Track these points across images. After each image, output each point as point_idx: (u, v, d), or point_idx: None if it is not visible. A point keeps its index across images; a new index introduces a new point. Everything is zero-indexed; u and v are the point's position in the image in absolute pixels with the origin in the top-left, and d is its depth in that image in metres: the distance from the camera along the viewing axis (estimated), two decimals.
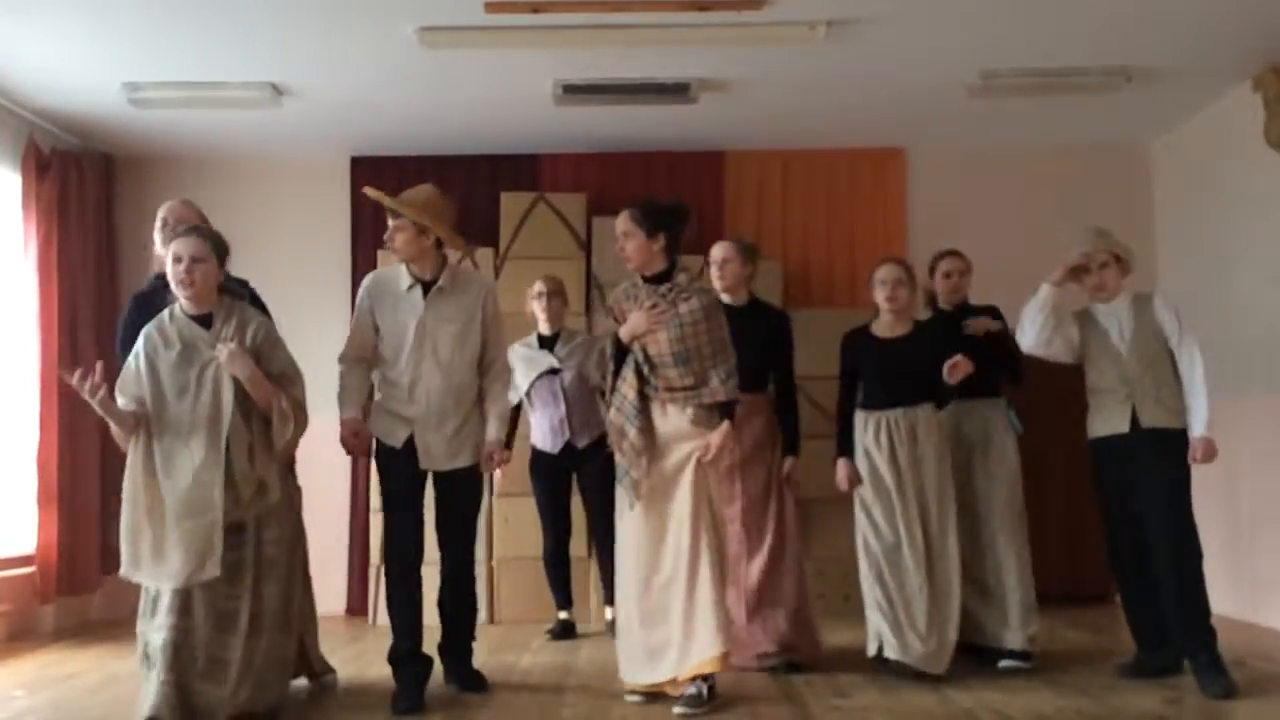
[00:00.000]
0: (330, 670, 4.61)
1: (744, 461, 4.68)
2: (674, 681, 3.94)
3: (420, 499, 4.27)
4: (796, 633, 4.66)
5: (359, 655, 5.20)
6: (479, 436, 4.32)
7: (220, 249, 3.93)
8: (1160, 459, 4.29)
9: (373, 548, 6.38)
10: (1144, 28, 5.20)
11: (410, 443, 4.21)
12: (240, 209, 6.41)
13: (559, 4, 4.82)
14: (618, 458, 4.02)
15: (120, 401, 3.81)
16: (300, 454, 4.18)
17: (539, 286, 5.69)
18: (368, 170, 6.81)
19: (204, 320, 3.89)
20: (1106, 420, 4.41)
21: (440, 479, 4.30)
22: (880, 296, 4.60)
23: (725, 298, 4.70)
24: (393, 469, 4.25)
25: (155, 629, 3.71)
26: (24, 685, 4.67)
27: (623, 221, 4.04)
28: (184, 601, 3.69)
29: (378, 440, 4.27)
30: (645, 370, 3.99)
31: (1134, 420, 4.33)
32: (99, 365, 3.75)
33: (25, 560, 5.93)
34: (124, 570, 3.77)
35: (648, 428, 3.99)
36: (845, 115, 6.39)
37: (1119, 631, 4.66)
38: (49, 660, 5.27)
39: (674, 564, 3.93)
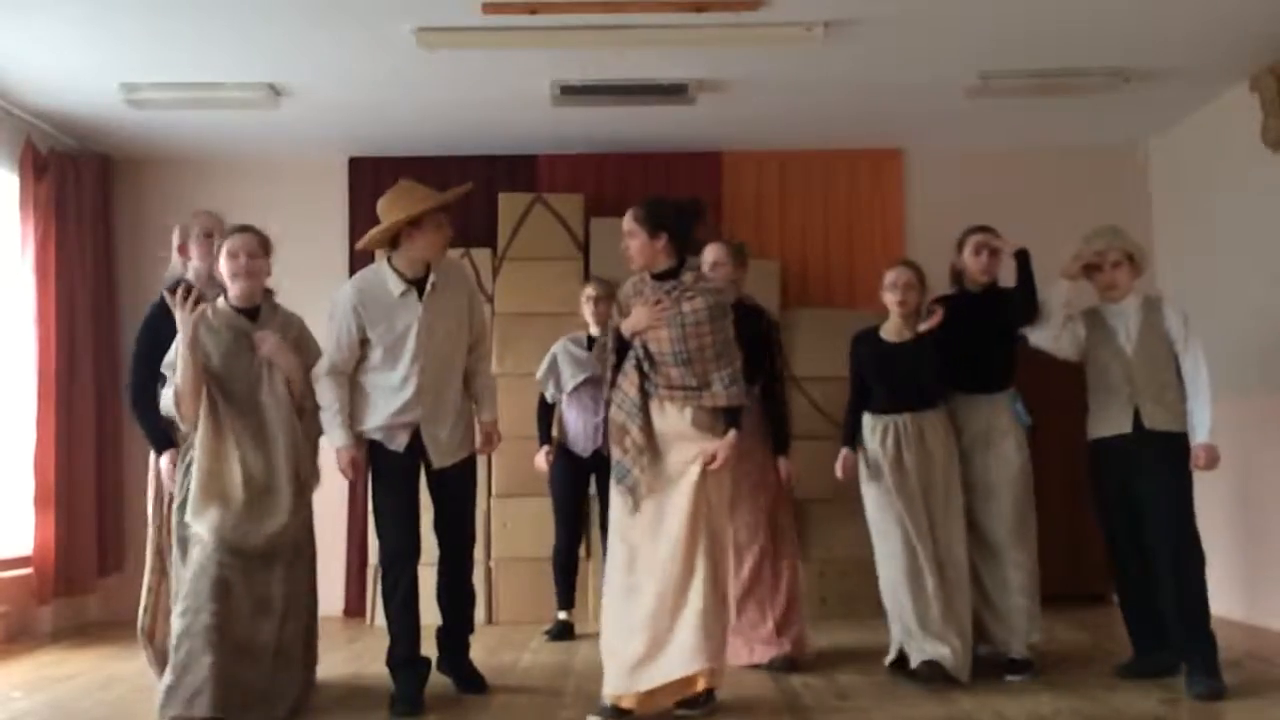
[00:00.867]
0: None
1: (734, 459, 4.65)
2: (649, 695, 3.78)
3: (418, 500, 4.27)
4: (785, 630, 4.68)
5: (358, 655, 5.21)
6: (471, 425, 4.36)
7: (268, 247, 4.19)
8: (1162, 462, 4.28)
9: (371, 549, 6.37)
10: (1141, 29, 5.20)
11: (410, 446, 4.20)
12: (238, 210, 6.29)
13: (556, 5, 4.81)
14: (618, 455, 3.95)
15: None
16: None
17: (589, 290, 5.70)
18: (365, 171, 6.82)
19: (250, 315, 4.11)
20: (1108, 421, 4.39)
21: (441, 475, 4.29)
22: (891, 300, 4.56)
23: None
24: (394, 472, 4.22)
25: (193, 613, 3.79)
26: (22, 686, 4.68)
27: (626, 221, 4.01)
28: (223, 588, 3.80)
29: (375, 444, 4.23)
30: (646, 367, 3.93)
31: (1136, 422, 4.32)
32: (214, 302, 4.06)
33: (23, 561, 5.92)
34: (189, 515, 3.92)
35: (648, 426, 3.93)
36: (843, 116, 6.39)
37: (1117, 632, 4.66)
38: (47, 661, 5.27)
39: (663, 574, 3.79)
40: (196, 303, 3.94)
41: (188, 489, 3.95)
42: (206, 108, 5.97)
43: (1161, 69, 5.69)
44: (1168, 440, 4.30)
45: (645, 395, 3.93)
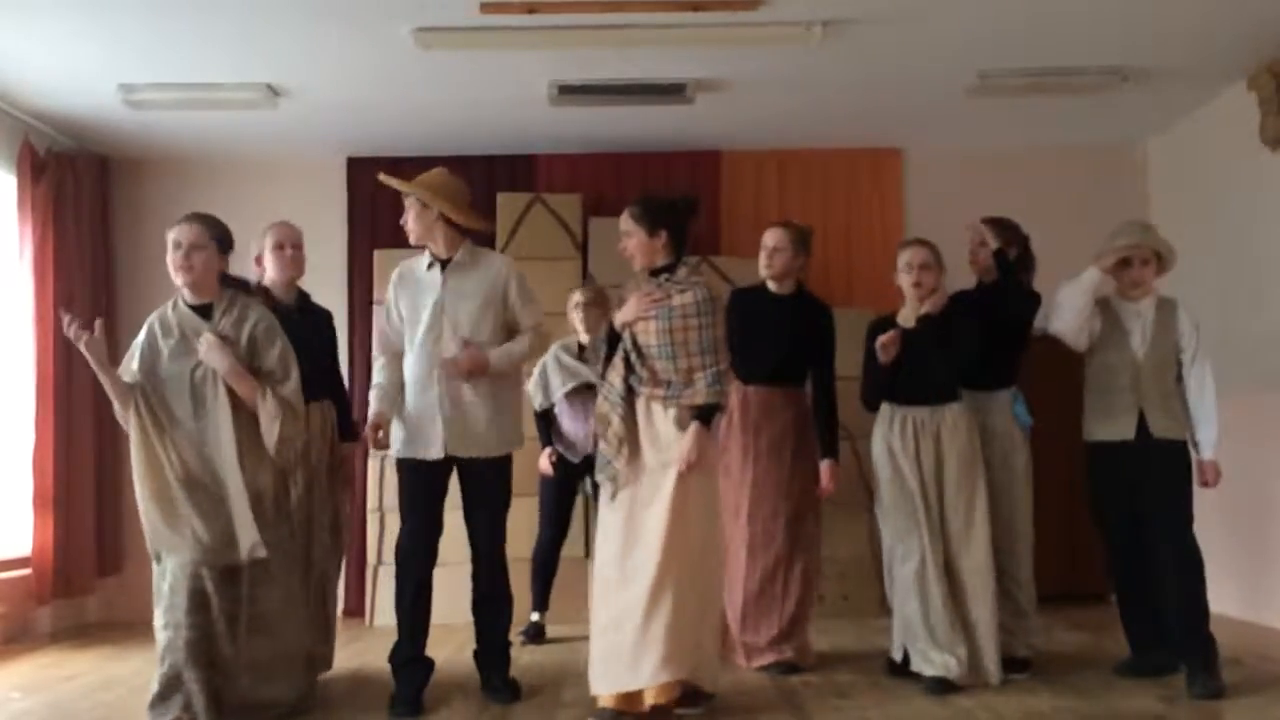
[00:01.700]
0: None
1: (758, 455, 4.61)
2: (627, 697, 3.74)
3: (441, 500, 4.21)
4: (788, 639, 4.62)
5: (357, 655, 5.20)
6: (511, 423, 4.28)
7: (222, 238, 3.97)
8: (1166, 470, 4.27)
9: (370, 549, 6.38)
10: (1140, 28, 5.20)
11: (427, 435, 4.14)
12: (236, 210, 6.27)
13: (554, 4, 4.81)
14: (601, 446, 3.91)
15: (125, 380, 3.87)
16: None
17: (577, 296, 5.59)
18: (364, 171, 6.80)
19: (204, 311, 3.92)
20: (1110, 424, 4.36)
21: (469, 469, 4.21)
22: (905, 281, 4.40)
23: (771, 286, 4.69)
24: (407, 461, 4.19)
25: (174, 627, 3.74)
26: (21, 687, 4.68)
27: (623, 220, 3.99)
28: (200, 599, 3.73)
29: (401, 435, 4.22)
30: (633, 358, 3.89)
31: (1141, 428, 4.29)
32: (98, 322, 3.82)
33: (21, 562, 5.92)
34: (149, 544, 3.84)
35: (630, 417, 3.88)
36: (842, 116, 6.39)
37: (1116, 631, 4.65)
38: (46, 662, 5.27)
39: (639, 579, 3.74)
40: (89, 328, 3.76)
41: None
42: (205, 108, 5.97)
43: (1160, 68, 5.69)
44: (1171, 448, 4.29)
45: (630, 388, 3.90)
